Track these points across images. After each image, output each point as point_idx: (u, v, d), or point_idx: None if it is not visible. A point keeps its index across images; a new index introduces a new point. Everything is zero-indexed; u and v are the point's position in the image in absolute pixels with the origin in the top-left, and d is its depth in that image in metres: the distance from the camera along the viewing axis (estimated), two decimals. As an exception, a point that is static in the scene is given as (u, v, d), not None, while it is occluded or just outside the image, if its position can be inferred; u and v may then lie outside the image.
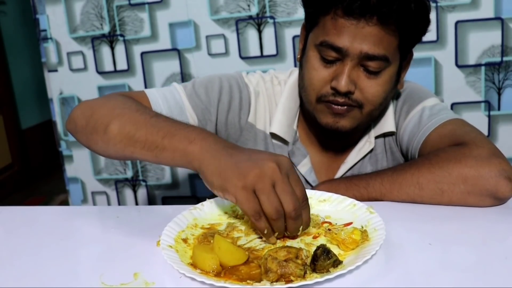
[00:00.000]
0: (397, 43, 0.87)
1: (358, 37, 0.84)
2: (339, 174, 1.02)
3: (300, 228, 0.66)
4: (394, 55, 0.88)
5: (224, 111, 0.99)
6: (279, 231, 0.65)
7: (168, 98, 0.95)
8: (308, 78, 0.91)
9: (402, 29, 0.85)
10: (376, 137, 1.02)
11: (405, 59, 0.94)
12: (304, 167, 1.01)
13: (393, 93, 0.97)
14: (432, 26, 1.53)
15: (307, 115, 1.00)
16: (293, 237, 0.68)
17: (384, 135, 1.02)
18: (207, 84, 0.99)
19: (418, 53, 1.54)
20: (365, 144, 1.01)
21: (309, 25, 0.93)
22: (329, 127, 0.92)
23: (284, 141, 1.01)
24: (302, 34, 0.98)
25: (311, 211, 0.77)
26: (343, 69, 0.87)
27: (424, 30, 0.90)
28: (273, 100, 1.03)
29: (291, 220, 0.64)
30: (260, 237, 0.70)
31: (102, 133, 0.78)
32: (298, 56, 0.98)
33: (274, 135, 1.01)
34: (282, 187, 0.63)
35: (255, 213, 0.63)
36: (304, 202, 0.66)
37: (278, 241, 0.68)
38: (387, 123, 1.00)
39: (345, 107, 0.89)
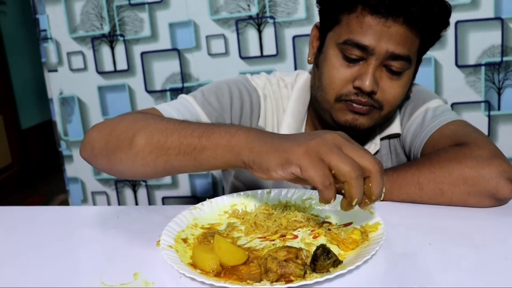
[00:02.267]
0: (418, 45, 0.88)
1: (384, 36, 0.84)
2: None
3: (383, 192, 0.60)
4: (414, 57, 0.89)
5: (237, 116, 0.98)
6: (358, 195, 0.57)
7: (181, 110, 0.91)
8: (328, 77, 0.90)
9: (424, 31, 0.86)
10: (381, 139, 1.02)
11: (419, 63, 0.95)
12: None
13: (406, 96, 0.97)
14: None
15: (319, 116, 1.00)
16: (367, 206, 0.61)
17: (389, 136, 1.02)
18: (217, 91, 0.97)
19: (418, 53, 1.54)
20: (371, 146, 1.01)
21: (327, 24, 0.92)
22: (348, 124, 0.91)
23: None
24: (315, 35, 0.97)
25: (311, 211, 0.77)
26: (368, 69, 0.86)
27: (440, 35, 0.91)
28: (280, 104, 1.03)
29: (377, 174, 0.57)
30: (260, 237, 0.70)
31: (127, 149, 0.72)
32: (309, 58, 0.97)
33: None
34: (351, 147, 0.58)
35: (324, 178, 0.56)
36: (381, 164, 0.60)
37: (278, 240, 0.68)
38: (393, 125, 1.00)
39: (367, 107, 0.89)
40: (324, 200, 0.58)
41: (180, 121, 0.73)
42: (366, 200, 0.60)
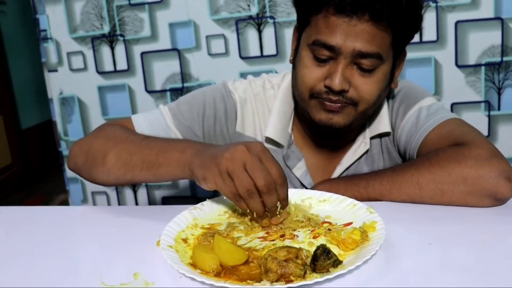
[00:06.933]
0: (390, 40, 0.87)
1: (350, 34, 0.84)
2: (335, 175, 1.02)
3: (278, 205, 0.70)
4: (387, 53, 0.88)
5: (210, 124, 0.99)
6: (255, 210, 0.69)
7: (152, 121, 0.98)
8: (300, 76, 0.91)
9: (395, 26, 0.85)
10: (372, 138, 1.01)
11: (398, 57, 0.93)
12: (300, 170, 1.01)
13: (387, 91, 0.96)
14: (432, 26, 1.53)
15: (301, 115, 1.00)
16: (276, 222, 0.72)
17: (380, 135, 1.02)
18: (191, 101, 1.01)
19: (418, 53, 1.54)
20: (361, 145, 1.01)
21: (301, 25, 0.93)
22: (323, 123, 0.91)
23: (278, 145, 1.01)
24: (294, 35, 0.97)
25: (311, 211, 0.77)
26: (337, 68, 0.86)
27: (416, 27, 0.90)
28: (265, 105, 1.03)
29: (264, 195, 0.68)
30: (260, 237, 0.70)
31: (101, 165, 0.85)
32: (291, 58, 0.98)
33: (268, 139, 1.01)
34: (251, 165, 0.68)
35: (234, 195, 0.69)
36: (280, 180, 0.69)
37: (278, 240, 0.68)
38: (382, 124, 1.00)
39: (339, 104, 0.89)
40: (240, 209, 0.71)
41: (143, 138, 0.86)
42: (266, 213, 0.71)
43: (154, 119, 0.99)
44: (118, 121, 0.99)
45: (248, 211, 0.71)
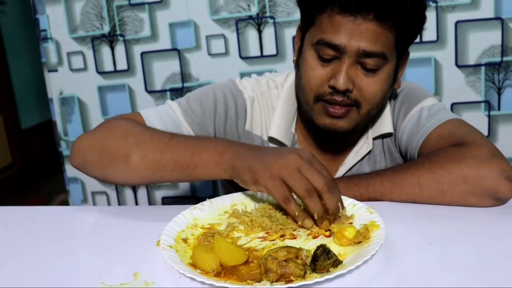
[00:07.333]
0: (394, 40, 0.87)
1: (355, 34, 0.84)
2: (337, 176, 1.01)
3: (340, 208, 0.70)
4: (391, 53, 0.88)
5: (221, 122, 0.99)
6: (316, 210, 0.69)
7: (164, 117, 0.94)
8: (305, 77, 0.91)
9: (399, 26, 0.85)
10: (374, 138, 1.02)
11: (401, 58, 0.93)
12: None
13: (390, 92, 0.96)
14: (432, 26, 1.53)
15: (304, 117, 1.00)
16: (326, 227, 0.70)
17: (382, 136, 1.02)
18: (201, 98, 0.99)
19: (418, 53, 1.54)
20: (363, 146, 1.01)
21: (305, 25, 0.93)
22: (327, 128, 0.91)
23: (282, 145, 1.01)
24: (298, 36, 0.97)
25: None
26: (341, 67, 0.86)
27: (420, 27, 0.90)
28: (269, 104, 1.03)
29: (326, 194, 0.68)
30: (260, 237, 0.70)
31: (122, 165, 0.80)
32: (294, 58, 0.98)
33: (272, 139, 1.01)
34: (307, 169, 0.69)
35: (284, 197, 0.70)
36: (333, 184, 0.70)
37: (278, 240, 0.68)
38: (385, 124, 1.00)
39: (343, 110, 0.89)
40: (289, 212, 0.71)
41: (170, 137, 0.81)
42: (328, 216, 0.70)
43: (165, 115, 0.95)
44: (127, 116, 0.93)
45: (296, 214, 0.70)
